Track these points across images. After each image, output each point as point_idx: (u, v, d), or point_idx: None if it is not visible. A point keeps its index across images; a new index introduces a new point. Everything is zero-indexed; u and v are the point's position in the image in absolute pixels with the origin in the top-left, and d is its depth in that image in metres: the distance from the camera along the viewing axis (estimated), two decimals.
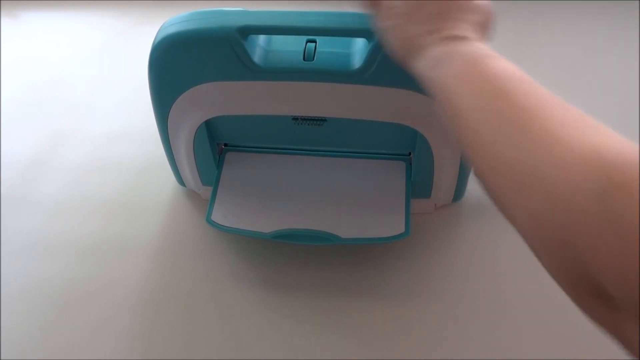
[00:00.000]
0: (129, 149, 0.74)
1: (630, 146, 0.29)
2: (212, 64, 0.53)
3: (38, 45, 0.92)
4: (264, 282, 0.61)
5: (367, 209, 0.59)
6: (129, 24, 0.94)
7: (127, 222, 0.67)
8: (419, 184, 0.62)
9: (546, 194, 0.30)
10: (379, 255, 0.62)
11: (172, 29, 0.52)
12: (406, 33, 0.42)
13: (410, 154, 0.62)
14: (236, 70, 0.52)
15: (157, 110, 0.58)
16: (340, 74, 0.52)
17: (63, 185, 0.71)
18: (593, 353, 0.54)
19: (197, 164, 0.63)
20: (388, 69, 0.51)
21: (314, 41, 0.54)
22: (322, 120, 0.57)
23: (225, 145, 0.65)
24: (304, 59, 0.53)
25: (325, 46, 0.54)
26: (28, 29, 0.95)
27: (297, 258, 0.62)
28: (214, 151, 0.62)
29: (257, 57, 0.53)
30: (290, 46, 0.54)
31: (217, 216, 0.59)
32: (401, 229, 0.58)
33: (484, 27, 0.43)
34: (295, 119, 0.57)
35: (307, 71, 0.53)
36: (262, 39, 0.55)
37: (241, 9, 0.53)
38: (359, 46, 0.54)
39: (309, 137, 0.59)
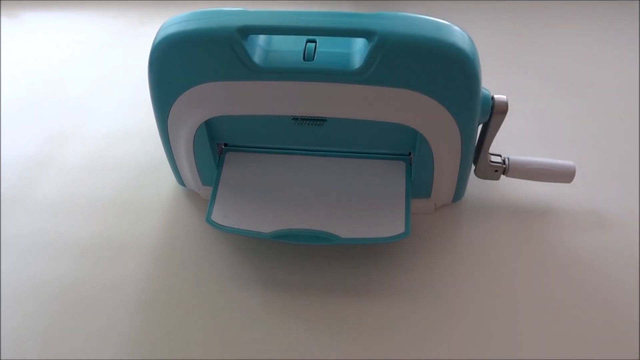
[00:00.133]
0: (129, 149, 0.74)
1: None
2: (212, 64, 0.53)
3: (38, 45, 0.92)
4: (263, 281, 0.61)
5: (367, 209, 0.59)
6: (129, 24, 0.94)
7: (127, 222, 0.67)
8: (419, 184, 0.62)
9: None
10: (379, 256, 0.62)
11: (172, 29, 0.52)
12: None
13: (410, 154, 0.62)
14: (236, 70, 0.52)
15: (157, 110, 0.58)
16: (340, 74, 0.52)
17: (63, 185, 0.71)
18: (594, 353, 0.54)
19: (197, 164, 0.63)
20: (388, 69, 0.51)
21: (314, 41, 0.54)
22: (322, 120, 0.57)
23: (225, 145, 0.65)
24: (304, 59, 0.53)
25: (325, 46, 0.54)
26: (28, 29, 0.96)
27: (297, 258, 0.62)
28: (214, 151, 0.62)
29: (257, 57, 0.53)
30: (290, 46, 0.54)
31: (217, 216, 0.59)
32: (401, 229, 0.58)
33: None
34: (295, 119, 0.57)
35: (307, 71, 0.53)
36: (262, 39, 0.55)
37: (241, 9, 0.53)
38: (358, 46, 0.54)
39: (309, 137, 0.59)
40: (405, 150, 0.62)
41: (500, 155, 0.64)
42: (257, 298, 0.59)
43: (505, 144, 0.66)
